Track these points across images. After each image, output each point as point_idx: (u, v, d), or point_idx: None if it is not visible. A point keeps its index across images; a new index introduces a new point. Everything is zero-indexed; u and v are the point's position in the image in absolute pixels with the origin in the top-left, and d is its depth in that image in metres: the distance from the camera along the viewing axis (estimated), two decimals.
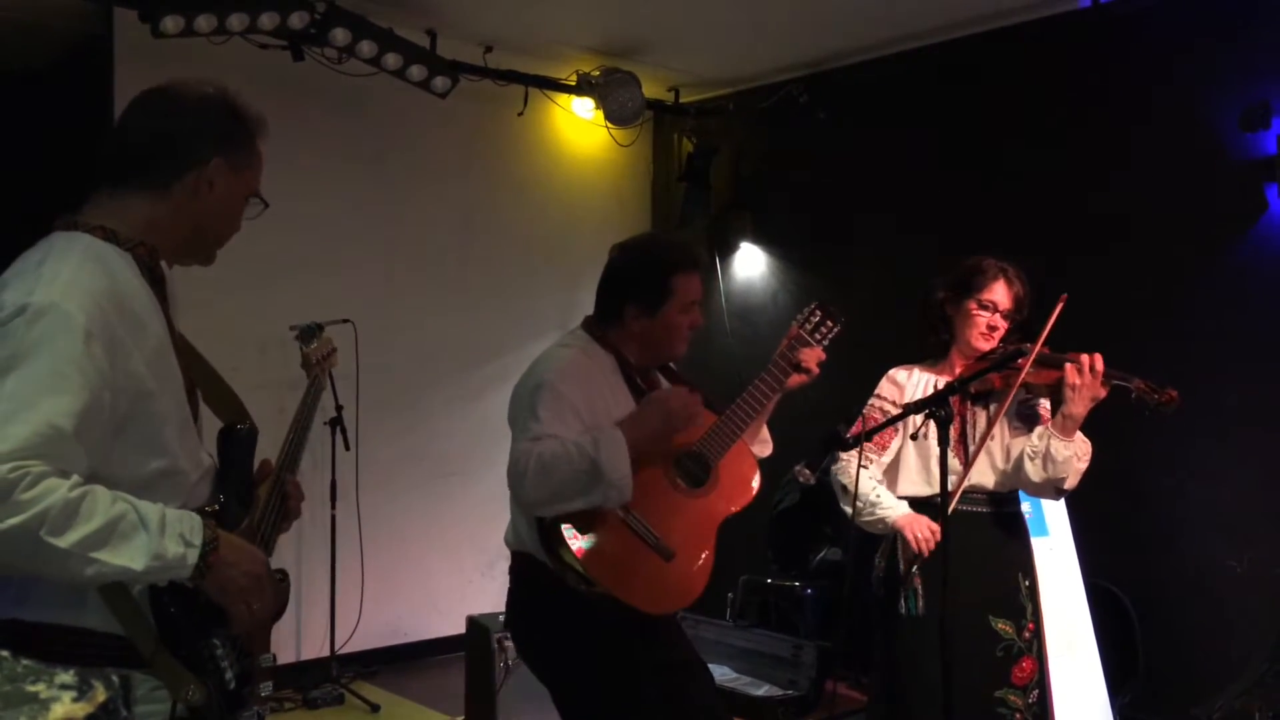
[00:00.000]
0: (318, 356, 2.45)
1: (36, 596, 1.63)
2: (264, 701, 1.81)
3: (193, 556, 1.60)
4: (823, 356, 2.84)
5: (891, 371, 3.36)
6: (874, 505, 3.14)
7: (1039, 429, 3.08)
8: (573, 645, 2.59)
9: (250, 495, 1.97)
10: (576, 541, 2.49)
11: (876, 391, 3.33)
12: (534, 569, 2.60)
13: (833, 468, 3.29)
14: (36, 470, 1.47)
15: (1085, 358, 2.94)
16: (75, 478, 1.52)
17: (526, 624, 2.71)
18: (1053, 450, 3.01)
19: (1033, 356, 3.03)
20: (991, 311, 3.16)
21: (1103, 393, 2.95)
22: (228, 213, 1.87)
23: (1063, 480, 3.05)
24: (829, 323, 2.87)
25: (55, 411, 1.51)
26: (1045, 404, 3.19)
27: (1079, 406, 2.96)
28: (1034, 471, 3.05)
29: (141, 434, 1.67)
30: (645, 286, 2.67)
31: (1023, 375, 3.03)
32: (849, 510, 3.19)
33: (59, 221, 1.76)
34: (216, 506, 1.84)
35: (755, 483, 2.77)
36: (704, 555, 2.63)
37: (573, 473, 2.42)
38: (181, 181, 1.79)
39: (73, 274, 1.62)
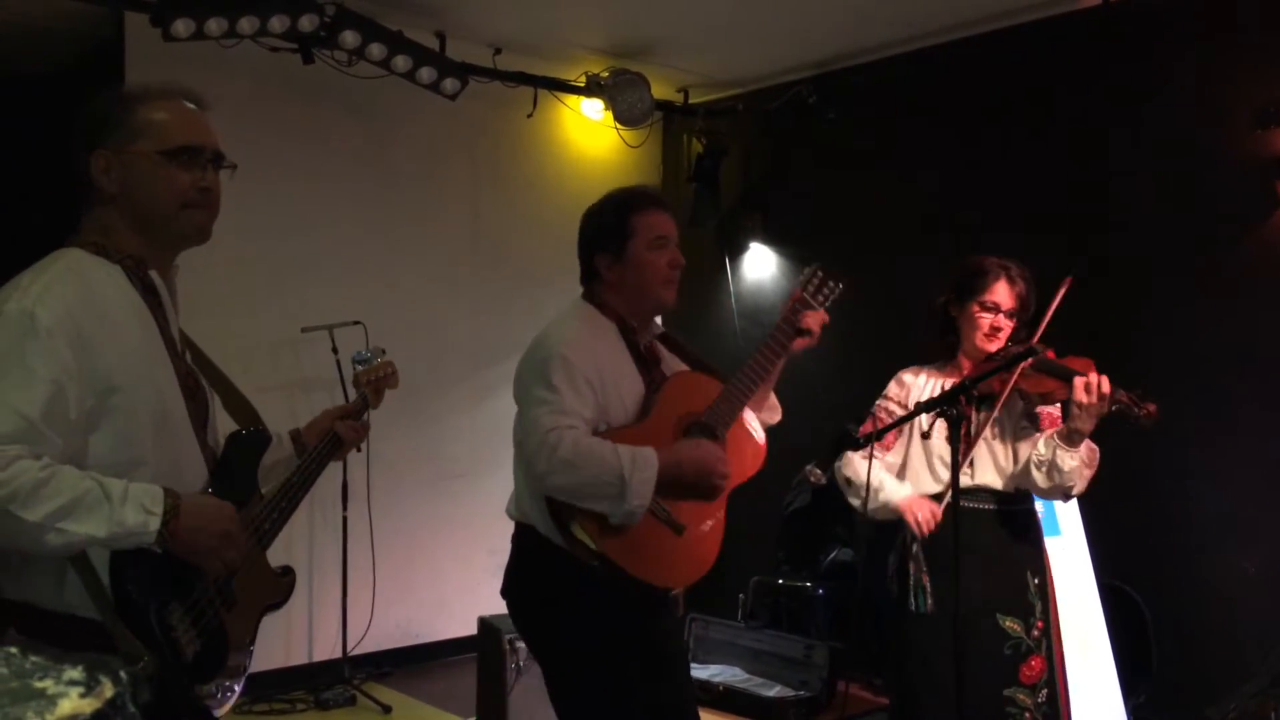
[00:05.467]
0: (367, 379, 2.61)
1: (27, 579, 1.79)
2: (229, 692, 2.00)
3: (154, 523, 1.74)
4: (825, 319, 2.82)
5: (900, 372, 3.36)
6: (877, 490, 3.14)
7: (1044, 436, 3.06)
8: (570, 619, 2.59)
9: (250, 492, 2.08)
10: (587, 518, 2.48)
11: (885, 392, 3.33)
12: (535, 541, 2.60)
13: (835, 464, 3.29)
14: (11, 453, 1.66)
15: (1093, 377, 2.89)
16: (45, 459, 1.69)
17: (524, 595, 2.70)
18: (1058, 460, 2.99)
19: (1038, 334, 3.03)
20: (994, 313, 3.14)
21: (1108, 410, 2.92)
22: (149, 186, 1.91)
23: (1071, 487, 3.04)
24: (830, 283, 2.84)
25: (24, 402, 1.69)
26: (1055, 407, 3.16)
27: (1086, 424, 2.93)
28: (1040, 479, 3.04)
29: (113, 426, 1.80)
30: (607, 231, 2.69)
31: (1013, 381, 3.02)
32: (854, 502, 3.19)
33: (66, 240, 1.93)
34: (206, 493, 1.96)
35: (761, 452, 2.76)
36: (710, 524, 2.63)
37: (601, 480, 2.42)
38: (94, 186, 1.92)
39: (46, 283, 1.80)
